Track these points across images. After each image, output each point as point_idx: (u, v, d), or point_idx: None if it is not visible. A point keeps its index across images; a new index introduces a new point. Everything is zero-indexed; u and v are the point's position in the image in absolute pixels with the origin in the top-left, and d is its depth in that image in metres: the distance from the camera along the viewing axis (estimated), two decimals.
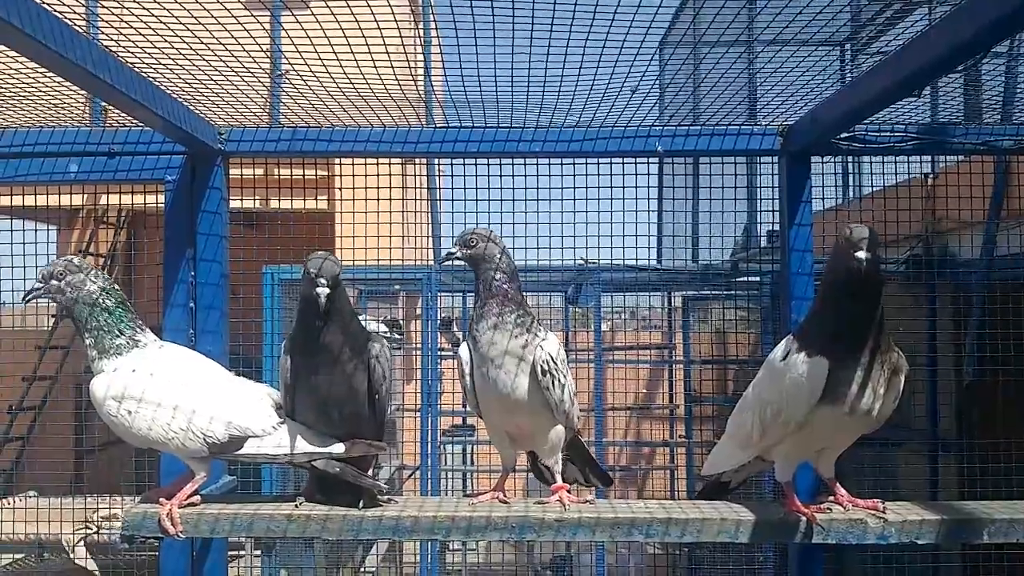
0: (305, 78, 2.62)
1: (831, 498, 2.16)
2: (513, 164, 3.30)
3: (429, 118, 2.96)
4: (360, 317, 7.26)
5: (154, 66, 2.52)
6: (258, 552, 5.17)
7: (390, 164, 3.84)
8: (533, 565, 7.27)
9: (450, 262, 2.15)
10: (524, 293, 2.16)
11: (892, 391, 2.07)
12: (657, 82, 2.63)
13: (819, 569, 2.78)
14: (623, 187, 3.56)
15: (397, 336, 6.92)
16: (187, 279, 2.84)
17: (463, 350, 2.15)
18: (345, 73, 2.52)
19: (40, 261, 4.20)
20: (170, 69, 2.56)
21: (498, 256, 2.12)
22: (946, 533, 2.06)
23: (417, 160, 7.11)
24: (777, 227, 3.44)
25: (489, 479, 5.71)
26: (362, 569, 6.69)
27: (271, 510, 2.09)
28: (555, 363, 2.08)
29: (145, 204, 3.49)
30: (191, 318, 2.84)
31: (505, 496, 2.20)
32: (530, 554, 7.24)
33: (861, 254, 1.93)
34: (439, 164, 6.11)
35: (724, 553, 5.51)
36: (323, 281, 2.02)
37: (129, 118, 2.74)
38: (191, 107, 2.73)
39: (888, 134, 2.81)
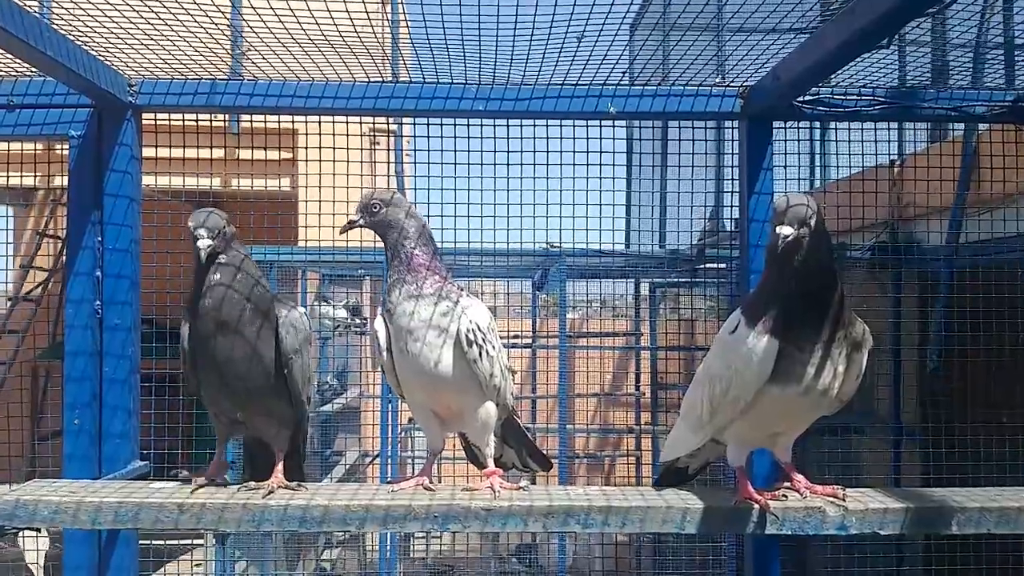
0: (254, 26, 2.39)
1: (787, 484, 1.98)
2: (482, 125, 3.11)
3: (394, 65, 2.73)
4: (326, 302, 6.99)
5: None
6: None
7: (348, 146, 3.60)
8: (498, 553, 7.18)
9: (354, 230, 1.93)
10: (441, 258, 1.95)
11: (854, 368, 1.89)
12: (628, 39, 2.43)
13: (775, 561, 2.61)
14: (587, 165, 3.40)
15: (359, 321, 6.72)
16: (93, 245, 2.58)
17: (378, 323, 1.94)
18: (297, 19, 2.30)
19: None
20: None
21: (403, 219, 1.91)
22: (912, 523, 1.87)
23: (378, 138, 6.88)
24: None
25: (453, 466, 5.58)
26: (323, 557, 6.53)
27: (162, 498, 1.85)
28: (482, 332, 1.87)
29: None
30: (97, 288, 2.58)
31: (431, 483, 1.98)
32: (495, 542, 7.14)
33: (781, 230, 1.75)
34: (403, 132, 5.92)
35: (689, 540, 5.40)
36: (203, 233, 1.85)
37: (29, 67, 2.49)
38: (134, 54, 2.46)
39: (855, 98, 2.62)
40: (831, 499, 1.92)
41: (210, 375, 1.93)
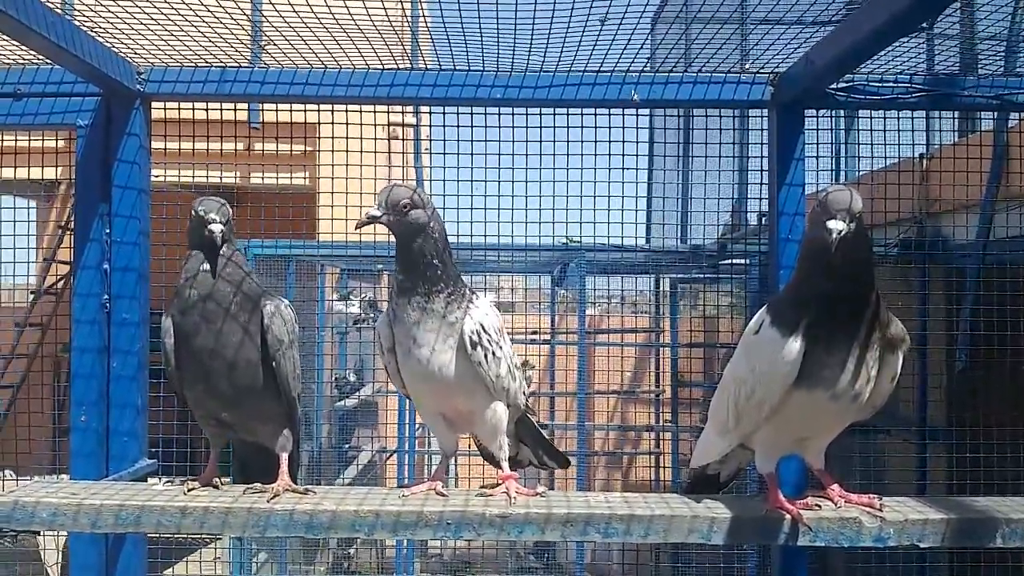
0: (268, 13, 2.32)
1: (820, 493, 1.87)
2: (500, 114, 3.04)
3: (412, 53, 2.66)
4: (344, 298, 6.95)
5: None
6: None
7: (363, 135, 3.53)
8: (515, 550, 7.13)
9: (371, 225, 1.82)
10: (455, 263, 1.84)
11: (888, 370, 1.78)
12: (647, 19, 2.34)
13: (803, 570, 2.50)
14: (609, 155, 3.31)
15: (377, 316, 6.67)
16: (101, 237, 2.52)
17: (382, 324, 1.85)
18: (310, 6, 2.22)
19: (19, 236, 3.88)
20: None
21: (430, 224, 1.79)
22: (953, 535, 1.76)
23: (396, 131, 6.80)
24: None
25: (468, 463, 5.54)
26: (340, 553, 6.51)
27: (163, 502, 1.78)
28: (487, 333, 1.77)
29: None
30: (105, 281, 2.52)
31: (444, 488, 1.89)
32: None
33: (834, 224, 1.61)
34: (420, 122, 5.85)
35: None
36: (215, 218, 1.82)
37: (36, 55, 2.42)
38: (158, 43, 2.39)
39: (891, 84, 2.49)
40: (867, 509, 1.81)
41: (195, 373, 1.86)
